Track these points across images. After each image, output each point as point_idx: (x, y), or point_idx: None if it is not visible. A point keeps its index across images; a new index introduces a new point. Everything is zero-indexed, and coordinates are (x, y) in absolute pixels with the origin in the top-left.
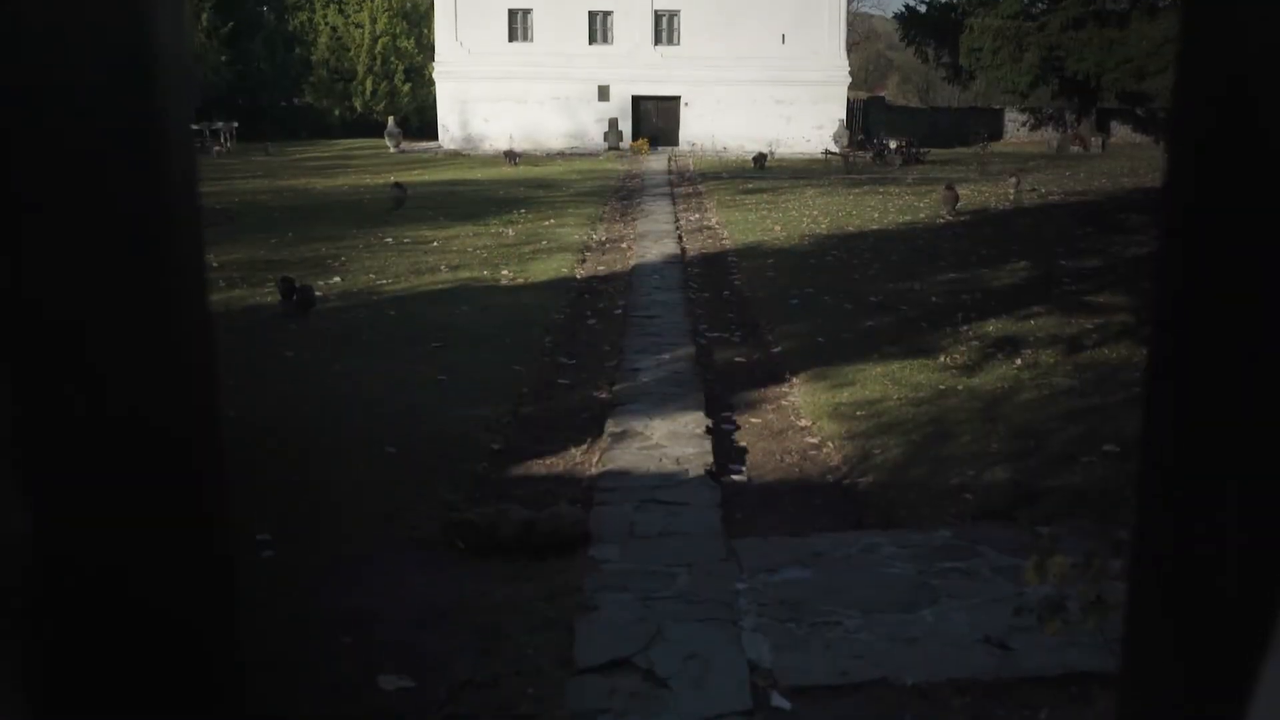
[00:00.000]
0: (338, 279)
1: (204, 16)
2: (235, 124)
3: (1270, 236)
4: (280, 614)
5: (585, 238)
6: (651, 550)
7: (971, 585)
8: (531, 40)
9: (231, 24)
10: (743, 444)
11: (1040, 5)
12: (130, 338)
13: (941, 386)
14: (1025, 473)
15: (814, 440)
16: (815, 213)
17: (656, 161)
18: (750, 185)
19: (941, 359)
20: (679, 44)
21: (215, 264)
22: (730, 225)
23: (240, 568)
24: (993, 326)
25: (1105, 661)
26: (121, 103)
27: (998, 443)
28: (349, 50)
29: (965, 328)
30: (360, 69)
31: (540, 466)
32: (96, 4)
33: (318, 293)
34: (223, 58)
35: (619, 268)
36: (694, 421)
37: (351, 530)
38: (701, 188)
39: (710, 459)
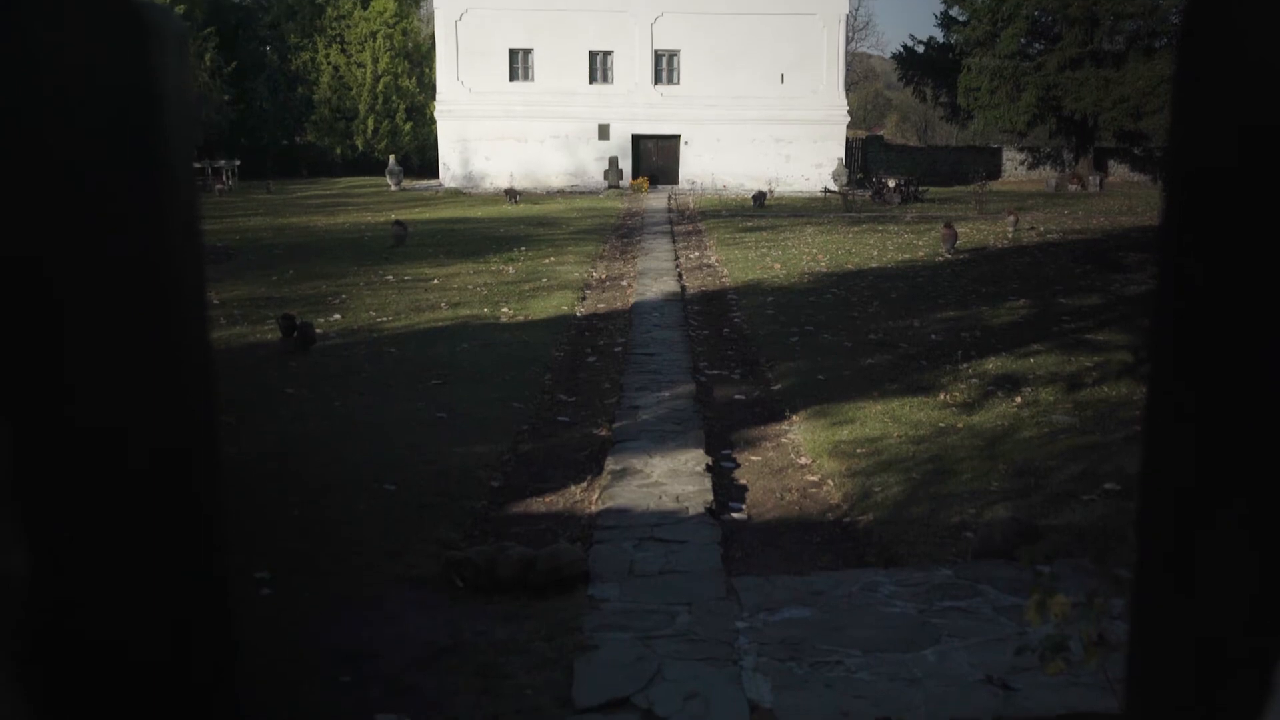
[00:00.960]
0: (338, 316)
1: (207, 56)
2: (237, 162)
3: (1267, 273)
4: (278, 652)
5: (585, 275)
6: (651, 588)
7: (973, 624)
8: (532, 79)
9: (235, 63)
10: (743, 482)
11: (1037, 45)
12: (131, 373)
13: (941, 424)
14: (1026, 510)
15: (814, 478)
16: (815, 251)
17: (656, 200)
18: (750, 223)
19: (941, 397)
20: (679, 83)
21: (216, 301)
22: (730, 263)
23: (238, 603)
24: (992, 364)
25: (1108, 701)
26: (125, 142)
27: (998, 481)
28: (351, 89)
29: (965, 365)
30: (362, 108)
31: (540, 504)
32: (102, 44)
33: (318, 330)
34: (225, 97)
35: (619, 305)
36: (694, 459)
37: (350, 568)
38: (701, 225)
39: (710, 497)
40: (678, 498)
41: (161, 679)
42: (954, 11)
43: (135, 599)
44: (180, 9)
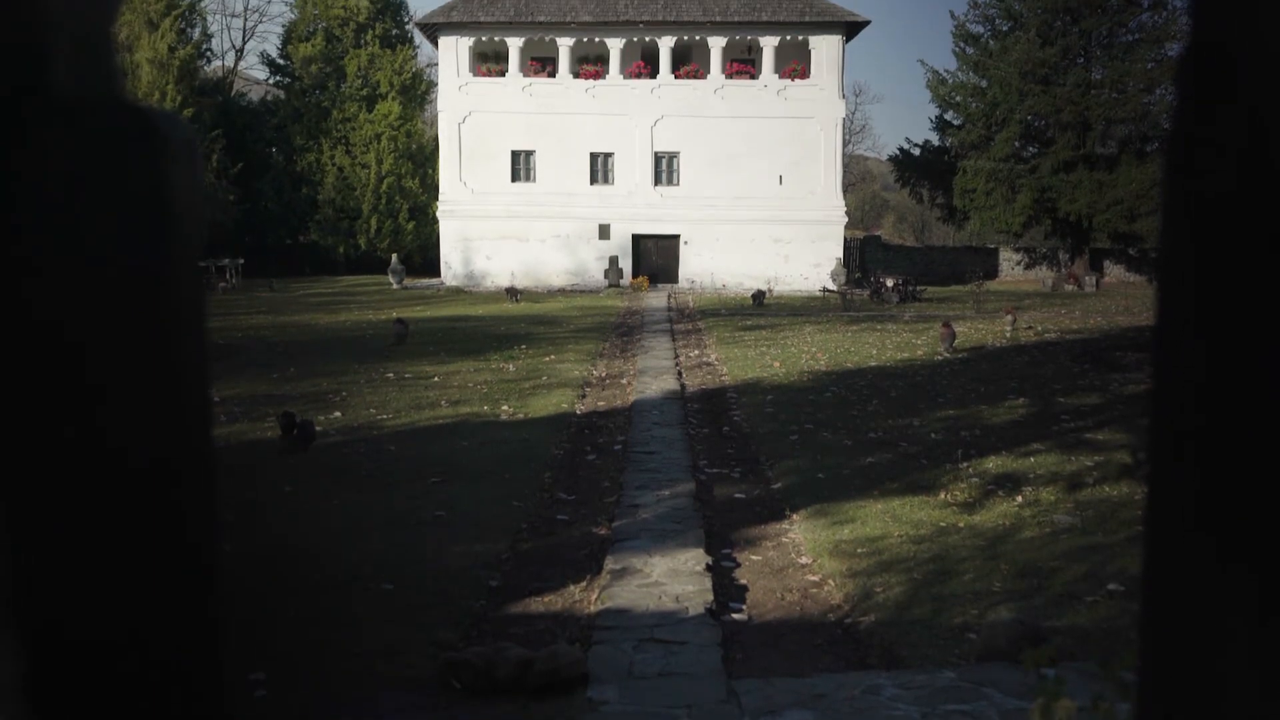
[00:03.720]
0: (339, 414)
1: (214, 158)
2: (241, 260)
3: (1262, 376)
4: None
5: (585, 373)
6: (651, 691)
7: None
8: (534, 180)
9: (241, 164)
10: (743, 581)
11: (1031, 149)
12: (133, 471)
13: (942, 524)
14: (1030, 612)
15: (815, 578)
16: (814, 349)
17: (656, 298)
18: (749, 322)
19: (942, 496)
20: (678, 184)
21: (217, 398)
22: (729, 362)
23: (234, 707)
24: (993, 463)
25: None
26: (135, 245)
27: (1000, 581)
28: (355, 190)
29: (965, 464)
30: (365, 208)
31: (538, 604)
32: (115, 153)
33: (318, 427)
34: (231, 197)
35: (619, 403)
36: (694, 559)
37: (346, 669)
38: (701, 324)
39: (710, 597)
40: (678, 598)
41: None
42: (949, 116)
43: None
44: (189, 112)
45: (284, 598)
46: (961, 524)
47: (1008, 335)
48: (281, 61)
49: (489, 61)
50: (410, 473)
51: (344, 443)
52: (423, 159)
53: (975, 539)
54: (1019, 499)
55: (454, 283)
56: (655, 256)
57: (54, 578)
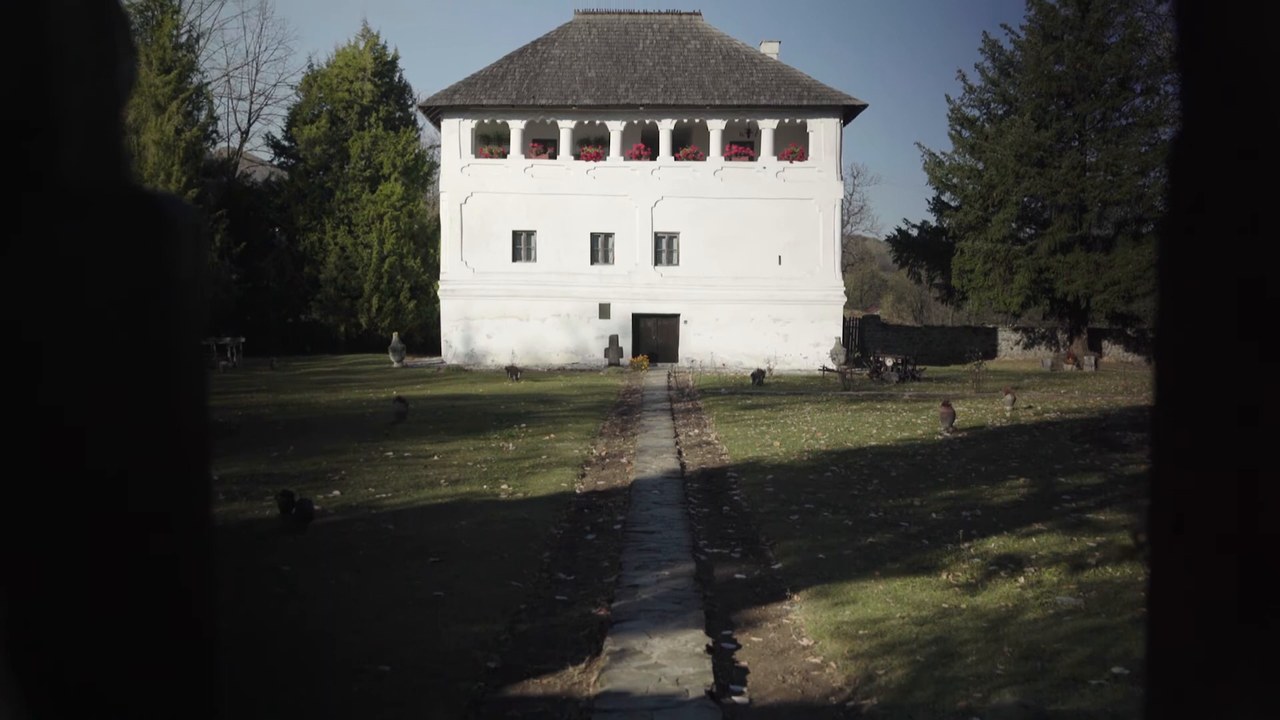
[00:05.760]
0: (337, 493)
1: (218, 237)
2: (242, 339)
3: (1261, 457)
4: None
5: (585, 452)
6: None
7: None
8: (535, 260)
9: (244, 244)
10: (743, 663)
11: (1028, 230)
12: (133, 549)
13: (944, 605)
14: (1034, 696)
15: (816, 660)
16: (814, 429)
17: (656, 377)
18: (749, 401)
19: (944, 576)
20: (678, 264)
21: (216, 477)
22: (729, 441)
23: None
24: (994, 544)
25: None
26: (140, 327)
27: (1004, 664)
28: (356, 269)
29: (966, 545)
30: (367, 287)
31: (537, 686)
32: (122, 237)
33: (317, 506)
34: (234, 276)
35: (619, 483)
36: (694, 640)
37: None
38: (701, 403)
39: (710, 679)
40: (677, 680)
41: None
42: (946, 197)
43: None
44: (194, 193)
45: (278, 679)
46: (964, 605)
47: (1007, 415)
48: (286, 143)
49: (491, 143)
50: (409, 552)
51: (343, 522)
52: (424, 239)
53: (978, 620)
54: (1021, 580)
55: (454, 361)
56: (655, 335)
57: (51, 649)
